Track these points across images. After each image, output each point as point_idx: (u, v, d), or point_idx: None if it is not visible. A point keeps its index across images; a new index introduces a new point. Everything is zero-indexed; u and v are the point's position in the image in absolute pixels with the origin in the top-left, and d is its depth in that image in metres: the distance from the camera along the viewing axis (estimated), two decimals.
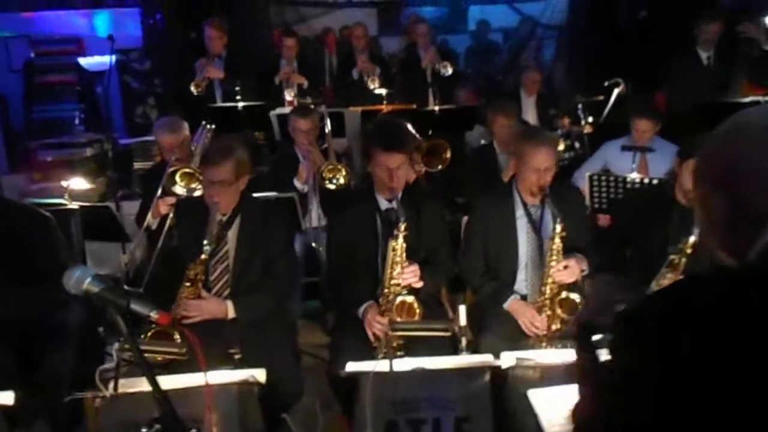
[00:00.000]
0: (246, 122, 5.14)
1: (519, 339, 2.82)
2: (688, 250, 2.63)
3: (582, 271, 2.80)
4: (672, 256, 2.64)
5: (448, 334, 2.22)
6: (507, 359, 2.28)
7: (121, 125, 7.03)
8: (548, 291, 2.76)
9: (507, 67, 8.09)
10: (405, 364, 2.07)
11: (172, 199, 3.71)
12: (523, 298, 2.93)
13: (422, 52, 6.14)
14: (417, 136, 3.36)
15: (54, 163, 5.64)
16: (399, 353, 2.67)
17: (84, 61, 5.85)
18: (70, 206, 3.23)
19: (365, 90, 5.96)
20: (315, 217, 4.15)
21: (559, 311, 2.73)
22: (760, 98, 3.95)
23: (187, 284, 2.74)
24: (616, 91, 5.38)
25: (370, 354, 2.71)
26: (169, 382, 2.05)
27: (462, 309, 2.35)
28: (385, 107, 5.17)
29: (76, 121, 6.17)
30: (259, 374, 2.25)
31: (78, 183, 3.68)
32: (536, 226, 2.92)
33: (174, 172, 3.74)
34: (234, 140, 3.53)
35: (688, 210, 2.75)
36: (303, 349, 3.48)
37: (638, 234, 2.94)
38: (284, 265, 2.89)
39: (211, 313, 2.75)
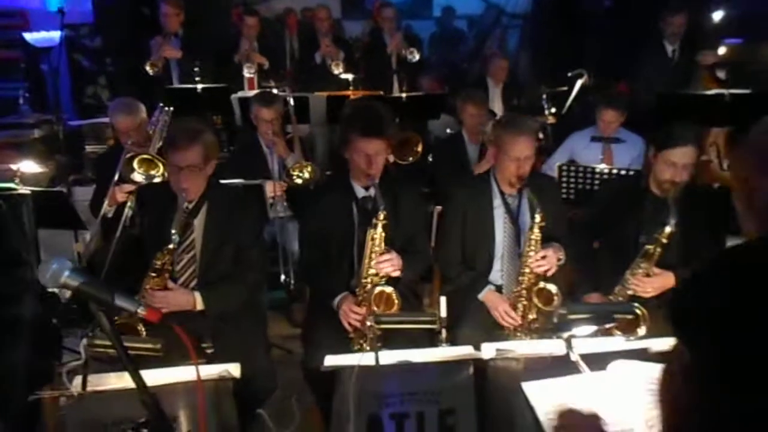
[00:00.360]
0: (206, 105, 4.95)
1: (494, 329, 2.80)
2: (664, 240, 2.65)
3: (558, 260, 2.80)
4: (647, 246, 2.65)
5: (435, 327, 2.16)
6: (487, 350, 2.24)
7: (70, 106, 6.68)
8: (525, 281, 2.74)
9: (472, 55, 8.07)
10: (389, 357, 2.00)
11: (129, 187, 3.56)
12: (498, 288, 2.91)
13: (388, 37, 6.06)
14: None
15: None
16: (378, 345, 2.61)
17: (30, 37, 5.50)
18: (21, 191, 3.02)
19: (329, 74, 5.85)
20: (280, 207, 4.04)
21: (535, 300, 2.72)
22: (724, 92, 4.02)
23: (153, 274, 2.60)
24: (579, 82, 5.42)
25: (345, 346, 2.64)
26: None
27: (443, 300, 2.30)
28: (352, 93, 5.07)
29: (21, 101, 5.82)
30: (234, 369, 2.15)
31: (29, 166, 3.45)
32: (513, 216, 2.89)
33: (131, 158, 3.57)
34: (197, 122, 3.40)
35: (661, 200, 2.78)
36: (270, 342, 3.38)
37: (611, 224, 2.95)
38: (256, 255, 2.78)
39: (178, 304, 2.62)
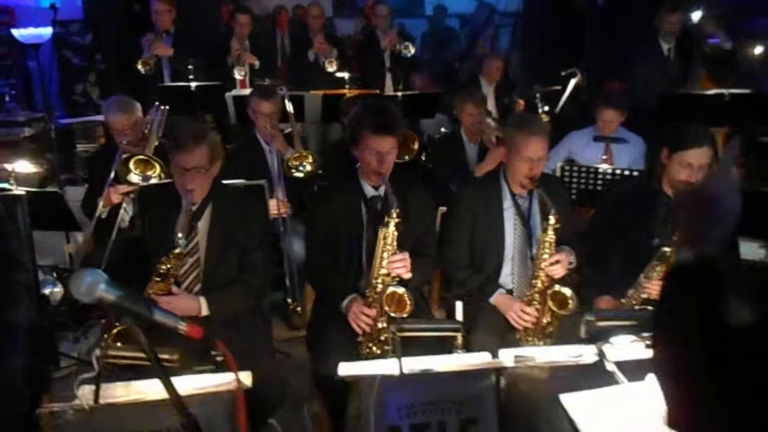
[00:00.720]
0: (200, 103, 4.84)
1: (507, 333, 2.75)
2: None
3: (570, 263, 2.76)
4: (665, 249, 2.61)
5: (459, 335, 2.10)
6: (505, 356, 2.19)
7: (59, 104, 6.52)
8: (539, 284, 2.69)
9: (464, 54, 8.04)
10: (411, 365, 1.93)
11: (124, 188, 3.48)
12: (509, 292, 2.85)
13: (381, 34, 6.01)
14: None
15: None
16: (386, 348, 2.55)
17: (18, 33, 5.34)
18: (16, 192, 2.92)
19: (322, 73, 5.77)
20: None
21: (550, 304, 2.67)
22: (724, 92, 4.02)
23: (157, 279, 2.51)
24: (572, 81, 5.40)
25: (356, 351, 2.58)
26: (148, 389, 1.86)
27: (459, 305, 2.24)
28: (348, 91, 5.00)
29: (7, 98, 5.67)
30: (245, 377, 2.07)
31: (23, 166, 3.33)
32: (525, 218, 2.84)
33: (128, 159, 3.48)
34: (199, 122, 3.33)
35: None
36: None
37: (622, 226, 2.91)
38: (261, 258, 2.70)
39: (183, 310, 2.52)
